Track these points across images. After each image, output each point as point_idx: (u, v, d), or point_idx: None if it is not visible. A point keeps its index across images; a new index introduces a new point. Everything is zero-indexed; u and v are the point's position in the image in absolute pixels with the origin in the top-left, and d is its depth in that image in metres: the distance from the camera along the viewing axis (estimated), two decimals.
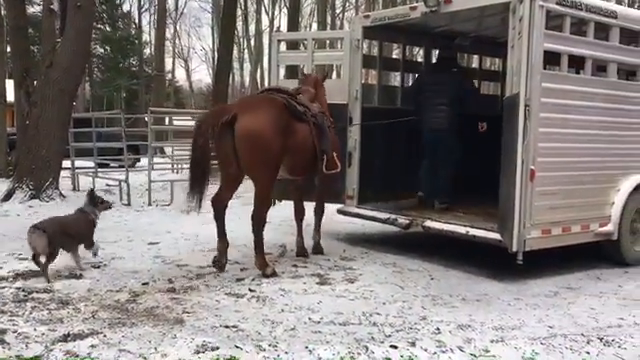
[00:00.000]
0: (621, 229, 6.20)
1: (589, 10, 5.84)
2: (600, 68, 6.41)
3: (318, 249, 6.68)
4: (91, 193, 6.03)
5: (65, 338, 3.84)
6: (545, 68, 5.64)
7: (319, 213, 6.74)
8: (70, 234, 5.51)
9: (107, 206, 6.09)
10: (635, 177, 6.35)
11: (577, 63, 6.30)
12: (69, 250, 5.51)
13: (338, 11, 42.88)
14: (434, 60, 8.40)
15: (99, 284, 5.21)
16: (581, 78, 6.06)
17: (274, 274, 5.55)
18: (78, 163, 12.64)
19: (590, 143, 5.97)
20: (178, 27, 48.16)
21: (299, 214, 6.68)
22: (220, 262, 5.75)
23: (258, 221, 5.72)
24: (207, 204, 8.39)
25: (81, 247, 5.65)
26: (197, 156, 5.49)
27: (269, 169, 5.59)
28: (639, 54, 6.44)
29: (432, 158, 7.52)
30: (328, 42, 23.11)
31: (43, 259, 5.25)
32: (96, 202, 5.90)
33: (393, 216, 6.93)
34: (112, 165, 14.61)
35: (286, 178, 6.19)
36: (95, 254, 5.73)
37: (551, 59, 5.82)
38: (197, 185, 5.52)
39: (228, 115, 5.42)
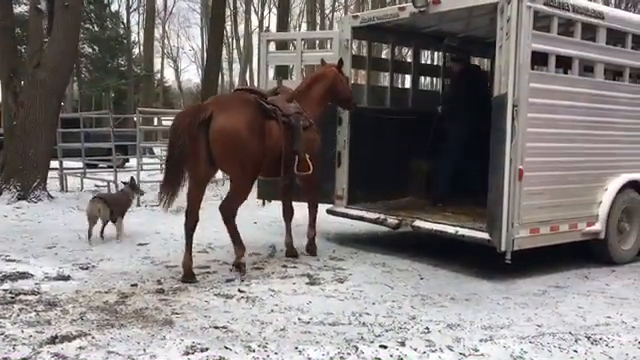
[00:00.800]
0: (608, 228, 6.24)
1: (576, 11, 5.88)
2: (587, 68, 6.46)
3: (311, 247, 6.66)
4: (132, 180, 7.91)
5: (53, 340, 3.81)
6: (533, 68, 5.67)
7: (312, 210, 6.70)
8: (119, 205, 7.30)
9: (140, 192, 8.13)
10: (622, 176, 6.40)
11: (565, 63, 6.36)
12: (115, 218, 7.15)
13: (327, 11, 42.91)
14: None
15: (87, 285, 5.17)
16: (569, 78, 6.11)
17: (243, 268, 5.66)
18: (66, 164, 12.55)
19: (578, 143, 6.01)
20: (167, 27, 48.03)
21: (287, 214, 6.66)
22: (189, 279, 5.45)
23: (227, 212, 5.71)
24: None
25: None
26: (175, 154, 5.43)
27: (247, 166, 5.60)
28: (625, 54, 6.48)
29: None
30: (318, 42, 23.14)
31: (95, 227, 6.95)
32: (134, 186, 7.81)
33: (382, 216, 6.94)
34: (101, 165, 14.54)
35: (267, 178, 6.18)
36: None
37: (539, 59, 5.86)
38: (171, 183, 5.51)
39: (205, 114, 5.40)
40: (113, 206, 7.12)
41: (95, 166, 13.75)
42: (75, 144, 12.40)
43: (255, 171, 5.75)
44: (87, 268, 5.78)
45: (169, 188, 5.51)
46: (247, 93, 6.05)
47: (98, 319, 4.28)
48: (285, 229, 6.64)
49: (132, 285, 5.21)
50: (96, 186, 12.03)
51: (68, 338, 3.84)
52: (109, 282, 5.29)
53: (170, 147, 5.52)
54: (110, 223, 7.15)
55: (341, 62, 6.85)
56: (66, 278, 5.36)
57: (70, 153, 12.83)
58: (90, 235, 6.93)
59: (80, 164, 12.58)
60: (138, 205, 10.22)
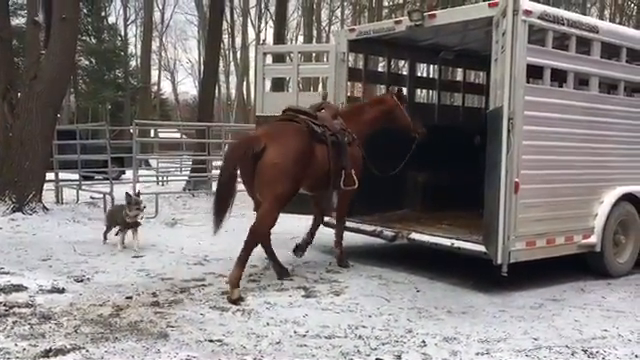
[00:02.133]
0: (604, 241, 6.24)
1: (571, 25, 5.93)
2: (582, 82, 6.50)
3: (343, 263, 6.72)
4: (126, 196, 7.60)
5: (47, 353, 3.78)
6: (528, 82, 5.70)
7: (340, 226, 6.87)
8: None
9: (136, 208, 7.50)
10: (618, 189, 6.41)
11: (560, 77, 6.39)
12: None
13: (324, 24, 43.20)
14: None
15: (82, 298, 5.14)
16: (564, 91, 6.14)
17: (238, 300, 5.15)
18: (62, 175, 12.52)
19: (573, 155, 6.04)
20: (164, 39, 48.22)
21: (316, 225, 6.90)
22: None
23: (254, 236, 5.73)
24: (197, 216, 8.34)
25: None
26: (225, 181, 5.72)
27: (283, 196, 5.77)
28: (620, 68, 6.53)
29: None
30: (314, 55, 23.25)
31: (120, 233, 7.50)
32: (129, 202, 7.47)
33: (379, 228, 6.93)
34: (97, 178, 14.52)
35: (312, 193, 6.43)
36: None
37: (534, 73, 5.89)
38: (219, 206, 5.73)
39: (257, 147, 5.64)
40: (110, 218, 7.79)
41: (91, 178, 13.71)
42: (71, 156, 12.39)
43: (289, 199, 5.89)
44: (82, 281, 5.75)
45: (220, 212, 5.74)
46: (297, 116, 6.21)
47: (92, 332, 4.24)
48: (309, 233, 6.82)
49: (127, 298, 5.18)
50: (92, 198, 12.00)
51: (62, 351, 3.81)
52: (104, 295, 5.26)
53: (220, 173, 5.91)
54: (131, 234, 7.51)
55: (400, 91, 7.22)
56: (61, 291, 5.32)
57: (66, 165, 12.80)
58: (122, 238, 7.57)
59: (76, 176, 12.54)
60: None
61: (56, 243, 7.65)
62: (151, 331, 4.31)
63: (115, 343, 4.03)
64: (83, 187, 12.24)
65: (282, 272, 6.14)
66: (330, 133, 6.20)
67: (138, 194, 7.69)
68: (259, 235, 5.83)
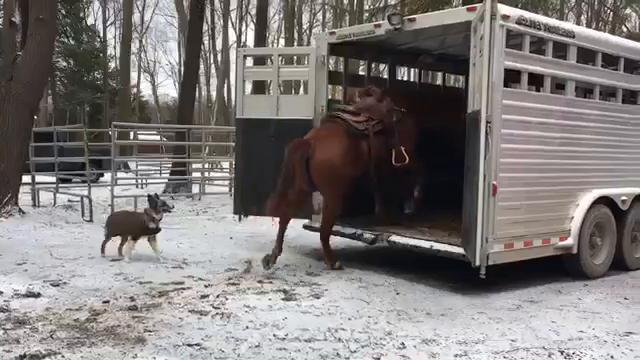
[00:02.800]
0: (580, 243, 6.33)
1: (548, 30, 6.01)
2: (559, 86, 6.59)
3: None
4: (149, 198, 7.16)
5: (22, 359, 3.72)
6: (507, 86, 5.77)
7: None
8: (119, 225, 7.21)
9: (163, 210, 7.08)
10: (594, 192, 6.51)
11: (537, 81, 6.47)
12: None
13: (305, 27, 43.20)
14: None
15: (58, 303, 5.07)
16: (541, 95, 6.21)
17: (340, 268, 6.54)
18: (39, 178, 12.35)
19: (550, 159, 6.12)
20: (144, 41, 47.86)
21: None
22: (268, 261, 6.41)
23: (326, 232, 6.76)
24: (177, 219, 8.27)
25: None
26: (284, 174, 6.48)
27: (338, 190, 6.58)
28: (595, 72, 6.63)
29: None
30: (295, 58, 23.24)
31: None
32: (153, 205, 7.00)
33: (359, 231, 6.95)
34: (74, 180, 14.35)
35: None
36: None
37: (512, 77, 5.95)
38: (279, 195, 6.46)
39: (310, 150, 6.49)
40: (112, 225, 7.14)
41: (69, 181, 13.54)
42: (48, 158, 12.22)
43: (345, 191, 6.59)
44: (58, 285, 5.66)
45: (276, 197, 6.49)
46: (339, 120, 6.79)
47: (68, 337, 4.19)
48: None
49: (104, 302, 5.12)
50: (69, 201, 11.84)
51: (37, 357, 3.76)
52: (80, 299, 5.19)
53: (283, 168, 6.54)
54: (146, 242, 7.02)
55: None
56: (36, 295, 5.24)
57: (43, 167, 12.63)
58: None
59: (53, 179, 12.38)
60: None
61: (32, 247, 7.53)
62: (128, 336, 4.26)
63: (91, 348, 3.97)
64: (60, 190, 12.06)
65: (270, 259, 6.41)
66: (375, 122, 6.72)
67: (157, 196, 7.17)
68: (329, 229, 6.80)
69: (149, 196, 7.14)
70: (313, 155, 6.48)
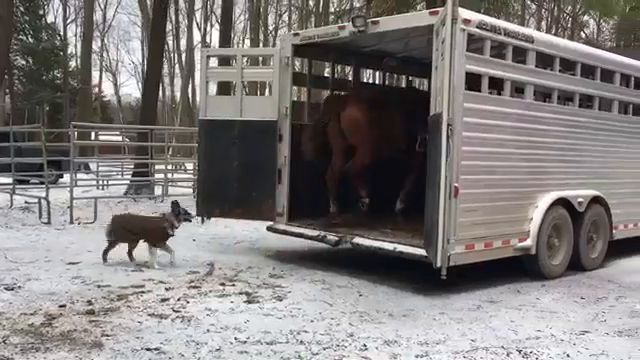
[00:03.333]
0: (539, 244, 6.45)
1: (507, 34, 6.12)
2: (518, 90, 6.71)
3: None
4: (173, 204, 6.86)
5: None
6: (469, 89, 5.84)
7: None
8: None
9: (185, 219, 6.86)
10: (552, 194, 6.64)
11: (498, 85, 6.58)
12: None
13: (271, 28, 43.11)
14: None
15: (12, 307, 4.92)
16: (501, 99, 6.31)
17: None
18: None
19: (510, 161, 6.22)
20: (106, 40, 47.03)
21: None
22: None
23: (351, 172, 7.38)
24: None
25: None
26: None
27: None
28: (554, 77, 6.78)
29: None
30: (261, 59, 23.14)
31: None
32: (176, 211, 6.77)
33: (322, 233, 6.94)
34: (32, 181, 13.99)
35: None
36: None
37: (473, 80, 6.04)
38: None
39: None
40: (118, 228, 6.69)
41: (26, 182, 13.19)
42: (5, 159, 11.88)
43: (372, 150, 7.19)
44: (12, 289, 5.50)
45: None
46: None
47: (22, 342, 4.06)
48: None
49: (60, 306, 4.99)
50: (26, 203, 11.54)
51: None
52: (35, 303, 5.05)
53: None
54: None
55: None
56: None
57: None
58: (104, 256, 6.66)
59: (10, 180, 12.04)
60: (71, 223, 9.89)
61: None
62: (85, 340, 4.16)
63: (46, 354, 3.87)
64: (17, 191, 11.74)
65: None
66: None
67: (177, 203, 6.82)
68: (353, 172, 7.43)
69: (173, 203, 6.81)
70: (345, 108, 7.16)
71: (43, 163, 11.01)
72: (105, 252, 6.66)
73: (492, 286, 6.20)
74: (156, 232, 6.64)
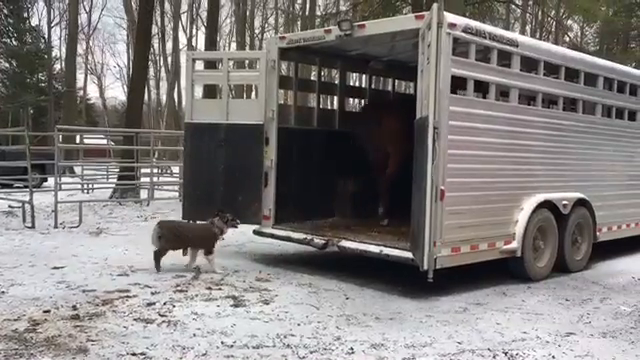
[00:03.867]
0: (524, 246, 6.49)
1: (492, 38, 6.17)
2: (503, 93, 6.76)
3: None
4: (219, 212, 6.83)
5: None
6: (456, 92, 5.88)
7: None
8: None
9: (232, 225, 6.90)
10: (537, 196, 6.69)
11: (483, 88, 6.63)
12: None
13: (257, 32, 43.07)
14: None
15: None
16: (486, 102, 6.37)
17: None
18: None
19: (495, 164, 6.27)
20: (91, 42, 46.66)
21: None
22: None
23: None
24: (124, 225, 8.06)
25: None
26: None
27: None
28: (538, 81, 6.83)
29: None
30: (247, 62, 23.09)
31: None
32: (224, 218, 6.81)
33: (309, 236, 6.93)
34: (16, 185, 13.83)
35: None
36: None
37: (459, 84, 6.08)
38: None
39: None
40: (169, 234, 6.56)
41: (10, 186, 13.04)
42: None
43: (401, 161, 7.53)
44: None
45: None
46: None
47: (5, 349, 4.01)
48: None
49: (44, 311, 4.93)
50: (10, 207, 11.41)
51: None
52: (19, 308, 4.99)
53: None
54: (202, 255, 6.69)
55: None
56: None
57: None
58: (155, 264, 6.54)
59: None
60: (55, 227, 9.79)
61: None
62: (69, 346, 4.11)
63: (30, 359, 3.82)
64: (1, 195, 11.60)
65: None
66: None
67: (223, 210, 6.83)
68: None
69: (220, 210, 6.81)
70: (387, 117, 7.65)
71: (27, 167, 10.88)
72: (158, 261, 6.55)
73: (478, 288, 6.23)
74: (208, 239, 6.66)
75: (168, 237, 6.57)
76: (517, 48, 6.44)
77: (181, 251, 6.75)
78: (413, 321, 5.08)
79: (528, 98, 7.44)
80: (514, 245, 6.41)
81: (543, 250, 6.92)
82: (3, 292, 5.52)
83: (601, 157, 7.76)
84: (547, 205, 6.84)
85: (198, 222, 7.15)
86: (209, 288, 5.92)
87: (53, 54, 39.41)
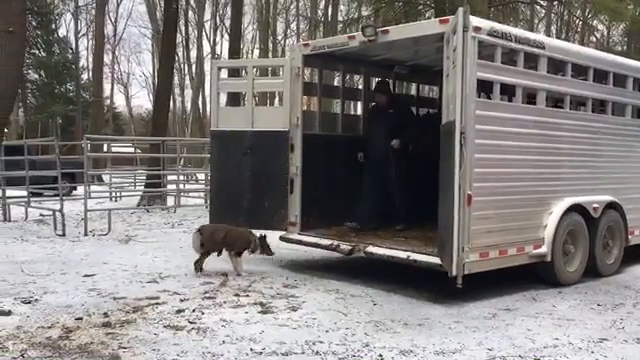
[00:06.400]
0: (554, 251, 6.40)
1: (518, 41, 6.11)
2: (530, 96, 6.69)
3: None
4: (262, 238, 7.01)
5: None
6: (480, 96, 5.83)
7: None
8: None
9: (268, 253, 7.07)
10: (566, 200, 6.60)
11: (509, 91, 6.57)
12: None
13: (280, 38, 43.34)
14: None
15: (29, 320, 4.95)
16: (513, 106, 6.30)
17: None
18: (10, 192, 12.11)
19: (523, 168, 6.19)
20: (117, 52, 47.45)
21: None
22: None
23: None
24: (152, 233, 8.14)
25: None
26: None
27: None
28: (566, 83, 6.75)
29: None
30: (270, 69, 23.24)
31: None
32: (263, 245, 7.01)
33: (336, 242, 6.93)
34: (46, 194, 14.11)
35: None
36: None
37: (485, 87, 6.04)
38: None
39: None
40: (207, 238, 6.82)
41: (40, 194, 13.31)
42: (19, 172, 12.00)
43: None
44: (29, 302, 5.53)
45: None
46: None
47: (40, 356, 4.09)
48: None
49: (77, 319, 5.01)
50: (41, 215, 11.64)
51: None
52: (52, 316, 5.08)
53: None
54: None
55: None
56: (7, 313, 5.11)
57: (14, 181, 12.40)
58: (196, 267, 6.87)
59: (24, 193, 12.15)
60: (85, 234, 9.96)
61: (2, 263, 7.37)
62: (102, 353, 4.17)
63: None
64: (32, 204, 11.85)
65: None
66: None
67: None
68: None
69: (265, 236, 7.04)
70: None
71: (57, 176, 11.10)
72: (200, 264, 6.88)
73: (507, 294, 6.16)
74: (242, 241, 6.90)
75: (210, 242, 6.83)
76: (544, 50, 6.37)
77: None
78: (442, 327, 5.04)
79: (556, 100, 7.35)
80: (543, 250, 6.32)
81: (573, 254, 6.81)
82: (37, 300, 5.63)
83: (632, 159, 7.62)
84: (577, 209, 6.73)
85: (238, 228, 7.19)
86: (237, 295, 5.96)
87: (80, 64, 40.23)
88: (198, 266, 6.83)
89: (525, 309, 5.67)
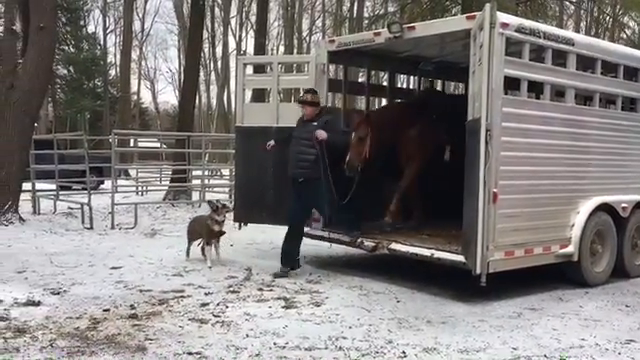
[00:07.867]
0: (581, 250, 6.31)
1: (547, 37, 6.02)
2: (559, 93, 6.60)
3: None
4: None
5: None
6: (506, 93, 5.77)
7: None
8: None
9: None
10: (594, 199, 6.50)
11: (537, 88, 6.48)
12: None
13: (305, 34, 43.33)
14: None
15: (58, 311, 5.06)
16: (540, 103, 6.22)
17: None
18: (39, 185, 12.36)
19: (550, 166, 6.11)
20: (144, 48, 47.98)
21: None
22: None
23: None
24: (177, 227, 8.23)
25: None
26: None
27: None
28: (595, 80, 6.64)
29: None
30: (295, 65, 23.29)
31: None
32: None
33: (359, 239, 6.92)
34: (74, 188, 14.37)
35: None
36: None
37: (512, 84, 5.97)
38: None
39: None
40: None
41: (69, 188, 13.55)
42: (49, 166, 12.23)
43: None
44: (58, 293, 5.66)
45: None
46: None
47: (68, 346, 4.18)
48: None
49: (104, 310, 5.11)
50: (69, 208, 11.85)
51: None
52: (80, 307, 5.19)
53: None
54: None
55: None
56: (36, 304, 5.23)
57: (43, 175, 12.64)
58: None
59: (53, 186, 12.39)
60: (112, 228, 10.12)
61: (32, 254, 7.53)
62: (129, 344, 4.25)
63: (91, 357, 3.97)
64: (60, 197, 12.07)
65: None
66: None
67: (218, 201, 7.55)
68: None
69: (209, 202, 7.70)
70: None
71: (85, 170, 11.29)
72: (187, 251, 7.60)
73: (532, 293, 6.10)
74: (206, 231, 7.30)
75: (189, 232, 7.62)
76: (573, 47, 6.27)
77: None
78: (466, 325, 5.02)
79: (585, 98, 7.23)
80: (570, 249, 6.24)
81: (601, 254, 6.71)
82: (65, 291, 5.75)
83: None
84: (605, 208, 6.63)
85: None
86: (260, 289, 6.00)
87: (108, 60, 40.72)
88: (186, 253, 7.54)
89: (551, 309, 5.61)
